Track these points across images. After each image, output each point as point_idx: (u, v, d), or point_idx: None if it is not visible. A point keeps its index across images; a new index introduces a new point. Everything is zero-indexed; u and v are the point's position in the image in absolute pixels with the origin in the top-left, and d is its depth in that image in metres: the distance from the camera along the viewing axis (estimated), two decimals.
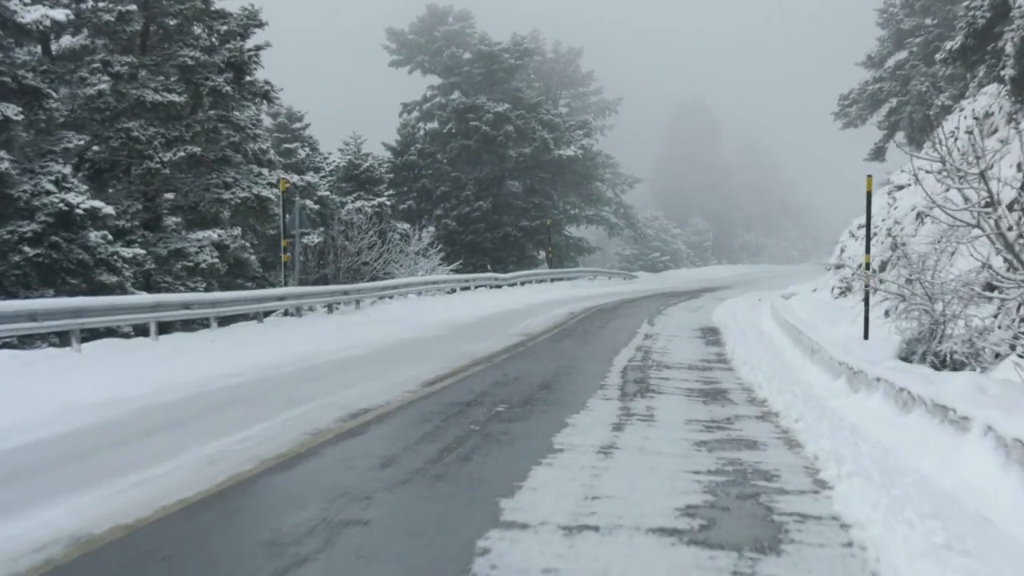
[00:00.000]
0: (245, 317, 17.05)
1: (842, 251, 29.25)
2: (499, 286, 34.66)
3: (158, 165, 18.68)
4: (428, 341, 15.48)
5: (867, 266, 13.54)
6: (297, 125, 36.72)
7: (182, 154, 19.15)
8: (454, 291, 31.21)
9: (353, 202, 36.80)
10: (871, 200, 13.76)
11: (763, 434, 7.49)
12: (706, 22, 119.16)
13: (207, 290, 19.95)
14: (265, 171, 20.56)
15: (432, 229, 44.91)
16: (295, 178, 28.91)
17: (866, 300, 13.14)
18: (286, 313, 18.60)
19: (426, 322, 18.92)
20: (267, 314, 17.85)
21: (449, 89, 47.00)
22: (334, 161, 37.61)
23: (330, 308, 20.06)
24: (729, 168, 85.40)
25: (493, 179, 45.45)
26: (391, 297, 24.69)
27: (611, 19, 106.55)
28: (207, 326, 16.26)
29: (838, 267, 28.49)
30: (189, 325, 15.72)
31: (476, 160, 46.03)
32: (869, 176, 13.90)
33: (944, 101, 29.52)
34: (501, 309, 23.64)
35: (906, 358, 10.57)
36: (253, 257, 30.85)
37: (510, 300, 27.46)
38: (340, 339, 15.05)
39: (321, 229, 35.84)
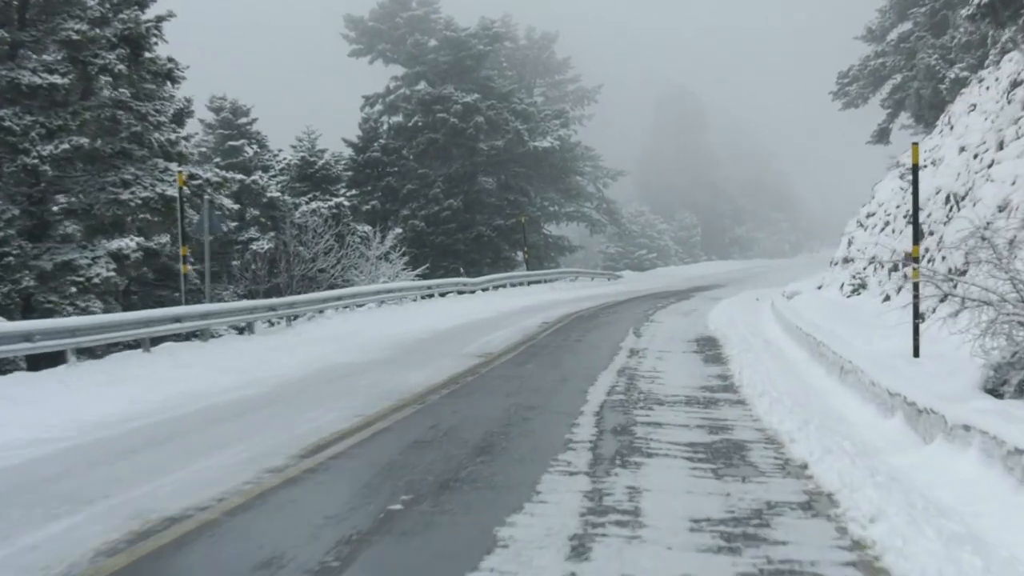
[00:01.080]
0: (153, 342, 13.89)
1: (850, 243, 26.41)
2: (472, 291, 31.61)
3: (36, 160, 15.53)
4: (359, 369, 12.42)
5: (915, 260, 10.55)
6: (243, 120, 33.55)
7: (66, 147, 15.98)
8: (418, 299, 28.12)
9: (308, 203, 33.83)
10: (918, 175, 10.79)
11: (826, 555, 4.48)
12: (691, 4, 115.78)
13: (106, 310, 16.80)
14: (173, 166, 17.39)
15: (399, 231, 41.93)
16: (225, 177, 25.71)
17: (915, 305, 10.17)
18: (193, 336, 15.43)
19: (368, 341, 15.86)
20: (190, 337, 14.74)
21: (414, 79, 43.92)
22: (285, 159, 34.48)
23: (250, 328, 16.92)
24: (717, 159, 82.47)
25: (464, 175, 42.42)
26: (336, 309, 21.59)
27: (587, 2, 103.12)
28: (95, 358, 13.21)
29: (846, 261, 25.66)
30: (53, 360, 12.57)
31: (445, 155, 42.99)
32: (915, 145, 10.97)
33: (958, 73, 26.68)
34: (465, 320, 20.64)
35: (994, 389, 7.61)
36: (190, 267, 27.79)
37: (479, 308, 24.45)
38: (244, 371, 11.97)
39: (272, 234, 32.82)
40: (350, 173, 41.90)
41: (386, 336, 16.60)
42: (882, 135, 32.87)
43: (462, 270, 41.83)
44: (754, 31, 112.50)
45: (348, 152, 42.69)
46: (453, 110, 41.41)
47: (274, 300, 18.16)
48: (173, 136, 17.88)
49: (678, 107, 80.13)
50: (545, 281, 38.13)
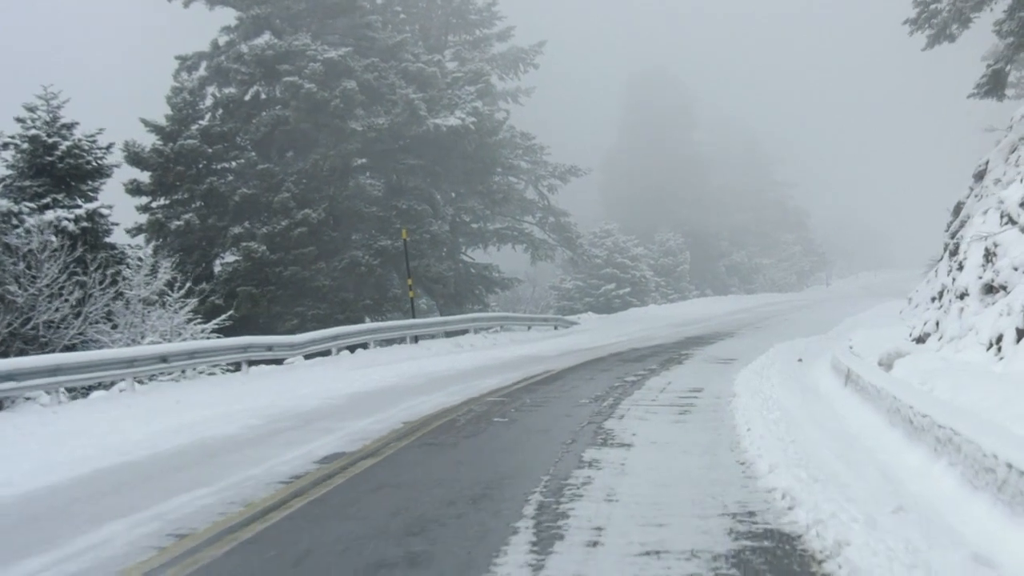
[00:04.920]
0: None
1: (989, 256, 15.85)
2: (323, 357, 20.69)
3: None
4: None
5: None
6: None
7: None
8: (148, 380, 17.10)
9: (40, 213, 23.10)
10: None
11: None
12: None
13: None
14: None
15: (234, 258, 31.05)
16: None
17: None
18: None
19: None
20: None
21: (253, 29, 33.20)
22: None
23: None
24: (707, 163, 72.13)
25: (329, 172, 31.54)
26: None
27: None
28: None
29: (992, 290, 15.22)
30: None
31: (299, 141, 32.22)
32: None
33: None
34: (127, 458, 9.82)
35: None
36: None
37: (241, 407, 13.81)
38: None
39: None
40: (157, 172, 31.15)
41: None
42: (996, 81, 22.73)
43: (340, 317, 30.89)
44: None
45: (152, 140, 31.77)
46: (309, 71, 30.69)
47: None
48: None
49: (656, 95, 69.97)
50: (447, 335, 27.28)
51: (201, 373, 21.27)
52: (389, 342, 24.68)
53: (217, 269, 31.78)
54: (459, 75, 33.63)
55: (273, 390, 15.50)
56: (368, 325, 24.22)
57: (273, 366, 20.30)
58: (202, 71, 33.96)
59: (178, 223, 30.69)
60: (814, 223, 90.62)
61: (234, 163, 32.47)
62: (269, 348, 19.05)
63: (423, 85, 32.21)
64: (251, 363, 19.10)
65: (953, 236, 22.09)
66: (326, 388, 15.54)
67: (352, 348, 23.42)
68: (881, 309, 35.17)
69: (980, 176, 22.78)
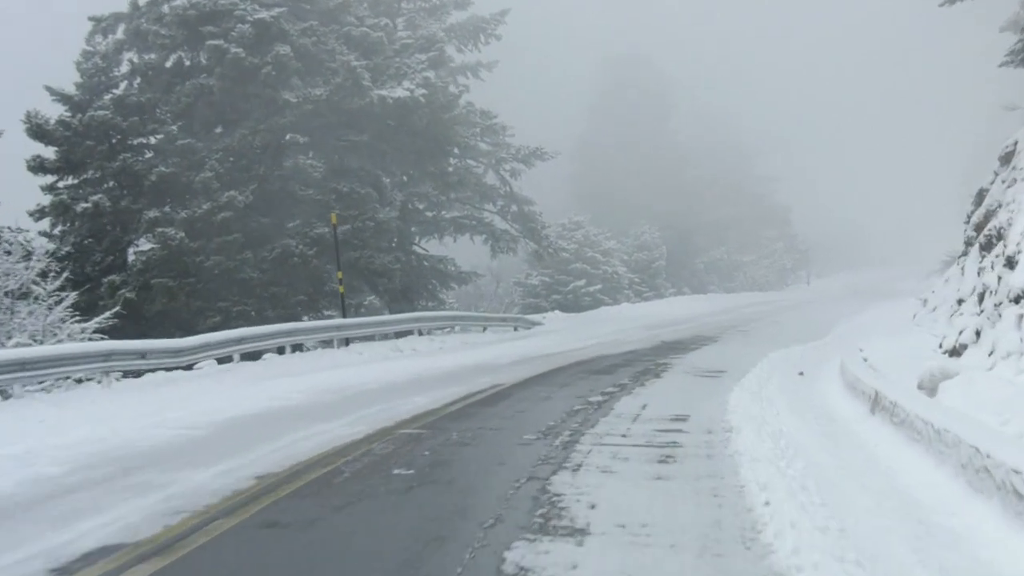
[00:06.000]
0: None
1: None
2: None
3: None
4: None
5: None
6: None
7: None
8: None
9: None
10: None
11: None
12: None
13: None
14: None
15: (150, 246, 27.37)
16: None
17: None
18: None
19: None
20: None
21: None
22: None
23: None
24: (685, 153, 68.77)
25: (260, 149, 28.00)
26: None
27: None
28: None
29: None
30: None
31: (226, 114, 28.64)
32: None
33: None
34: None
35: None
36: None
37: (87, 433, 10.68)
38: None
39: None
40: (63, 148, 27.49)
41: None
42: None
43: (270, 314, 27.27)
44: None
45: (59, 112, 28.10)
46: (237, 33, 27.12)
47: None
48: None
49: (632, 80, 66.56)
50: (396, 335, 23.92)
51: (83, 382, 17.72)
52: (326, 343, 21.25)
53: (131, 258, 28.12)
54: (409, 42, 30.07)
55: (129, 412, 12.00)
56: (282, 326, 20.66)
57: (169, 373, 16.79)
58: (120, 34, 30.26)
59: (86, 205, 27.01)
60: (796, 219, 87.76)
61: (152, 138, 28.76)
62: (142, 355, 15.41)
63: (367, 52, 28.66)
64: (126, 373, 15.55)
65: (977, 228, 18.85)
66: (200, 410, 12.07)
67: (284, 350, 20.05)
68: (878, 312, 32.04)
69: (1007, 159, 19.62)
